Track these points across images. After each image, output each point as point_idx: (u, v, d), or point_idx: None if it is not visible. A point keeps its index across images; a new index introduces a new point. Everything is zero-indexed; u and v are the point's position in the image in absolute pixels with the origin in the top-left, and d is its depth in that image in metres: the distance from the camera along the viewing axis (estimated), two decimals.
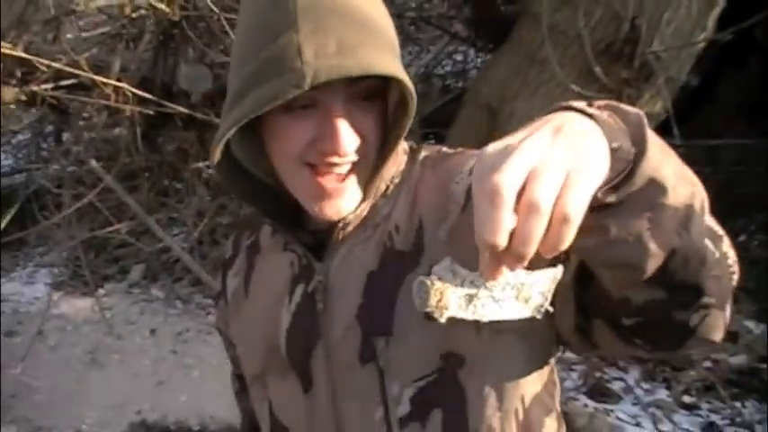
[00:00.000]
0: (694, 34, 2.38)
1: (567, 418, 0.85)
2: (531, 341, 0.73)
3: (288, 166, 0.73)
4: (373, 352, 0.74)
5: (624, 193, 0.52)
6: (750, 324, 2.93)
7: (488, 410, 0.73)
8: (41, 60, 2.77)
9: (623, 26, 2.30)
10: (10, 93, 2.85)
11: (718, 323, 0.62)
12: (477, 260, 0.50)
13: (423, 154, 0.81)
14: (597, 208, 0.51)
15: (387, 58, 0.67)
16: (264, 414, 0.87)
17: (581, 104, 0.53)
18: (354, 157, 0.71)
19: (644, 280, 0.57)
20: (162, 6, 2.94)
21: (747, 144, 3.30)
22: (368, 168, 0.74)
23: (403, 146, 0.80)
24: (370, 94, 0.71)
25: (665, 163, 0.54)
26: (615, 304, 0.62)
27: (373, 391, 0.75)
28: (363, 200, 0.75)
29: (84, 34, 4.05)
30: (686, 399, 2.70)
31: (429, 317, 0.54)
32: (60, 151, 4.19)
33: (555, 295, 0.56)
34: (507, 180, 0.44)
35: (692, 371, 2.77)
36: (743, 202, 3.27)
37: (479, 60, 4.26)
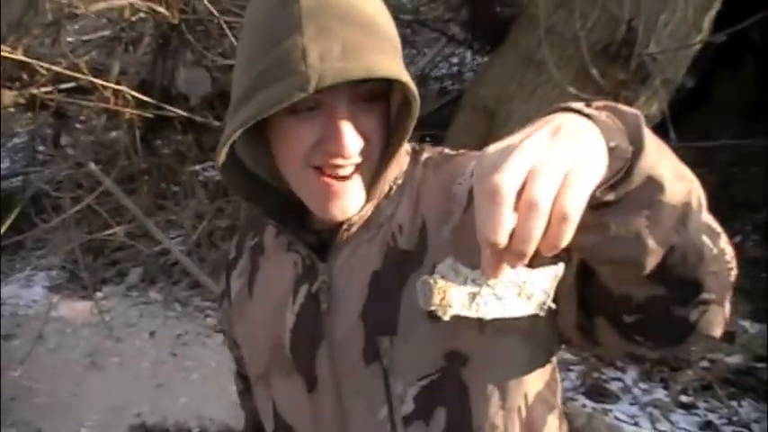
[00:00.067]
0: (690, 36, 2.40)
1: (565, 417, 0.86)
2: (533, 339, 0.74)
3: (293, 167, 0.74)
4: (377, 351, 0.74)
5: (622, 192, 0.53)
6: (746, 324, 2.94)
7: (492, 408, 0.74)
8: (41, 63, 2.78)
9: (620, 28, 2.31)
10: (9, 96, 2.85)
11: (717, 318, 0.63)
12: (479, 259, 0.51)
13: (425, 155, 0.81)
14: (596, 206, 0.52)
15: (390, 61, 0.68)
16: (268, 414, 0.87)
17: (579, 105, 0.54)
18: (358, 159, 0.71)
19: (644, 277, 0.58)
20: (161, 10, 2.94)
21: (743, 145, 3.32)
22: (371, 170, 0.74)
23: (405, 147, 0.80)
24: (374, 96, 0.71)
25: (662, 161, 0.54)
26: (616, 302, 0.63)
27: (377, 390, 0.76)
28: (367, 201, 0.75)
29: (84, 37, 4.05)
30: (684, 398, 2.71)
31: (433, 315, 0.54)
32: (59, 154, 4.19)
33: (557, 294, 0.57)
34: (507, 180, 0.45)
35: (690, 371, 2.78)
36: (739, 203, 3.29)
37: (476, 63, 4.28)
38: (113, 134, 4.38)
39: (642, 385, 2.81)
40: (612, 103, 0.56)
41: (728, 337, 2.76)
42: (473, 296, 0.54)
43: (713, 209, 0.60)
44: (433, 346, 0.74)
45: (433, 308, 0.54)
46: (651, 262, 0.57)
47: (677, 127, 2.34)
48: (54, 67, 2.81)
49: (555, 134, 0.48)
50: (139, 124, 3.55)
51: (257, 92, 0.68)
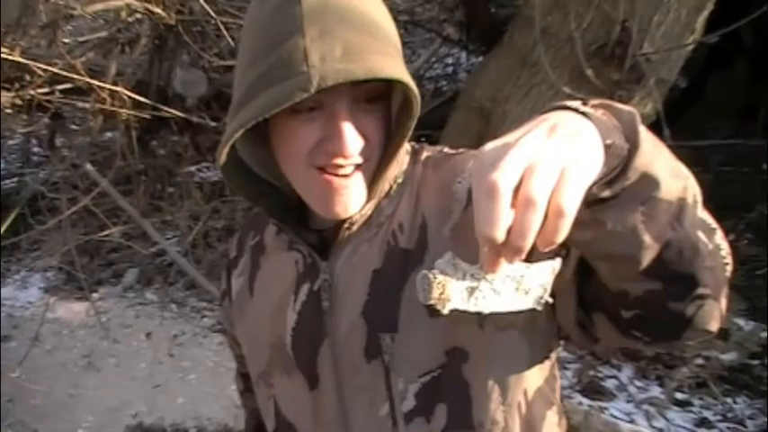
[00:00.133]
0: (684, 37, 2.41)
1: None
2: (533, 336, 0.74)
3: (295, 167, 0.74)
4: (379, 348, 0.75)
5: (618, 188, 0.54)
6: (740, 321, 2.96)
7: (492, 405, 0.75)
8: (37, 64, 2.77)
9: (614, 29, 2.32)
10: (7, 98, 2.84)
11: (713, 313, 0.63)
12: (478, 256, 0.51)
13: (425, 154, 0.82)
14: (593, 202, 0.53)
15: (391, 62, 0.68)
16: (270, 412, 0.88)
17: (575, 103, 0.54)
18: (359, 159, 0.72)
19: (640, 272, 0.59)
20: (158, 11, 2.94)
21: (735, 145, 3.34)
22: (372, 169, 0.75)
23: (405, 147, 0.80)
24: (374, 96, 0.72)
25: (657, 158, 0.55)
26: (614, 297, 0.64)
27: (379, 388, 0.76)
28: (368, 200, 0.76)
29: (80, 38, 4.05)
30: (679, 395, 2.72)
31: (432, 309, 0.55)
32: (54, 155, 4.18)
33: (556, 291, 0.57)
34: (504, 176, 0.46)
35: (685, 368, 2.79)
36: (731, 202, 3.31)
37: (471, 63, 4.28)
38: (109, 135, 4.36)
39: (638, 383, 2.83)
40: (608, 102, 0.57)
41: (723, 334, 2.78)
42: (471, 290, 0.55)
43: (707, 207, 0.61)
44: (434, 343, 0.74)
45: (431, 302, 0.54)
46: (647, 257, 0.58)
47: (669, 126, 2.35)
48: (50, 68, 2.81)
49: (551, 131, 0.49)
50: (136, 125, 3.54)
51: (259, 92, 0.68)
